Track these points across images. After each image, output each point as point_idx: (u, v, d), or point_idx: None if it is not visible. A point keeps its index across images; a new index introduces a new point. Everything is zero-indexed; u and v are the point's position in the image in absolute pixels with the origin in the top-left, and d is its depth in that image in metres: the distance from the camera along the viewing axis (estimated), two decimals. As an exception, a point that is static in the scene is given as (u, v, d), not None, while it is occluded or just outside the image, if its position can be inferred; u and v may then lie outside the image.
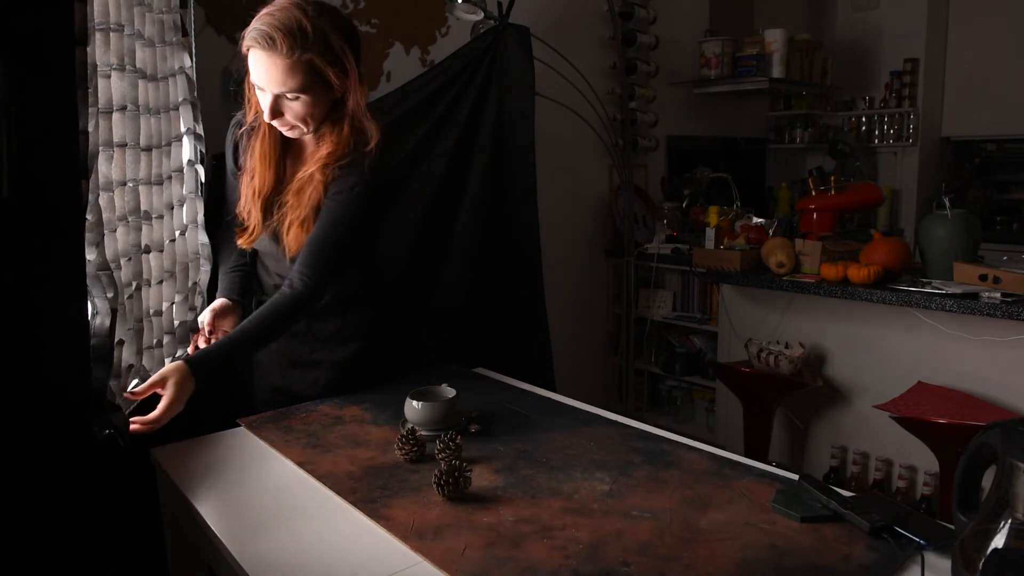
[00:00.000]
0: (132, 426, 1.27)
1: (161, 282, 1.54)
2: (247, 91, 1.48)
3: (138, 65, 1.34)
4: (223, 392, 1.70)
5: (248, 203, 1.54)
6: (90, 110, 1.08)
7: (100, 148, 1.19)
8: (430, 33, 2.75)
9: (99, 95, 1.18)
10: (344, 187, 1.48)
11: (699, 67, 3.85)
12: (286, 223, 1.50)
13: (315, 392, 1.64)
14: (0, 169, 0.93)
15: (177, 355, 1.63)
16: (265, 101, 1.40)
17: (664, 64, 3.63)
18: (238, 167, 1.58)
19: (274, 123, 1.45)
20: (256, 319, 1.45)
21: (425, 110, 2.36)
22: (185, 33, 1.59)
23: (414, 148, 2.35)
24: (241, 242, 1.57)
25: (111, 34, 1.22)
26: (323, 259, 1.49)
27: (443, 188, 2.42)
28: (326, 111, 1.46)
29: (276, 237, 1.54)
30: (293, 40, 1.33)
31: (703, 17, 4.03)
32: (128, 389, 1.35)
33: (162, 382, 1.30)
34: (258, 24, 1.35)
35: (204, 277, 1.71)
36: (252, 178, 1.54)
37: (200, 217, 1.70)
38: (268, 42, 1.32)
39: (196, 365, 1.34)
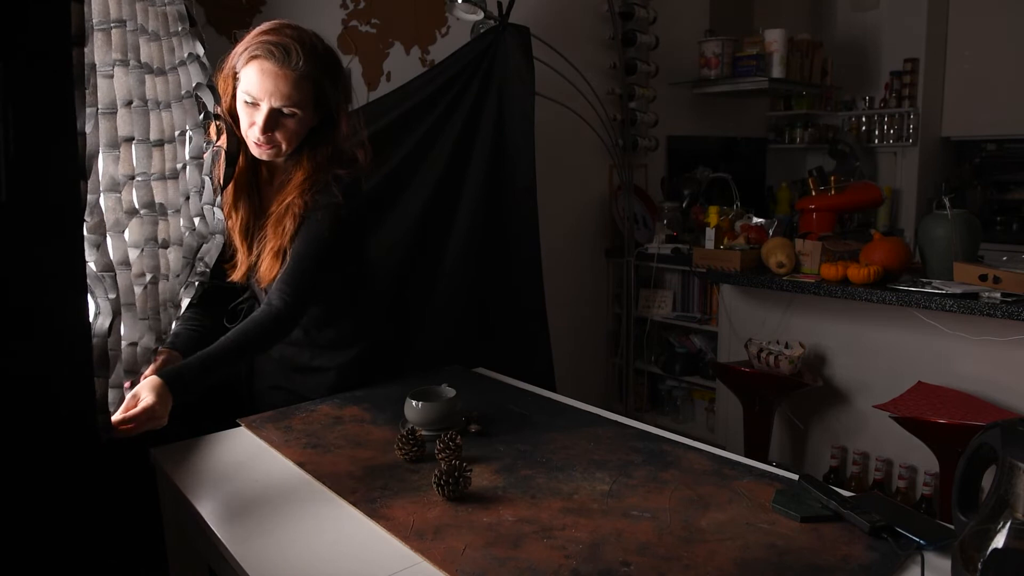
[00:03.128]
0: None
1: (179, 275, 1.53)
2: (221, 116, 1.47)
3: (143, 60, 1.34)
4: (224, 394, 1.70)
5: (230, 237, 1.54)
6: (91, 110, 1.08)
7: (106, 148, 1.19)
8: (430, 33, 2.75)
9: (103, 94, 1.17)
10: (319, 206, 1.48)
11: (699, 67, 3.84)
12: (263, 255, 1.50)
13: (320, 394, 1.65)
14: (-1, 171, 0.93)
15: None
16: (259, 115, 1.41)
17: (664, 64, 3.63)
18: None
19: (256, 141, 1.44)
20: (235, 334, 1.39)
21: (425, 110, 2.36)
22: (193, 23, 1.58)
23: (414, 148, 2.35)
24: (234, 277, 1.56)
25: (113, 31, 1.22)
26: (300, 277, 1.46)
27: (443, 188, 2.42)
28: (304, 135, 1.48)
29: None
30: (308, 54, 1.38)
31: (703, 17, 4.03)
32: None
33: (135, 401, 1.23)
34: (268, 38, 1.38)
35: (215, 251, 1.64)
36: (229, 212, 1.54)
37: (219, 198, 1.66)
38: (283, 53, 1.36)
39: (172, 381, 1.26)
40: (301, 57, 1.37)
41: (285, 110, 1.41)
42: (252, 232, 1.55)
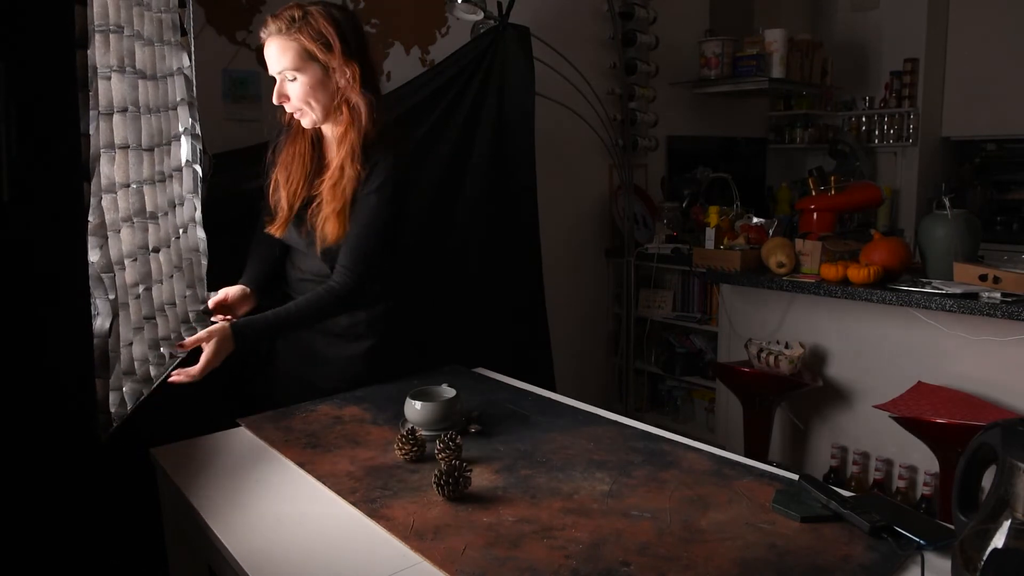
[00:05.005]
0: (174, 377, 1.42)
1: (172, 277, 1.55)
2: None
3: (138, 66, 1.34)
4: (225, 390, 1.71)
5: (277, 194, 1.66)
6: (93, 112, 1.08)
7: (102, 150, 1.19)
8: (430, 33, 2.75)
9: (100, 97, 1.18)
10: (372, 187, 1.59)
11: (699, 67, 3.85)
12: (321, 216, 1.59)
13: (329, 384, 1.68)
14: (0, 172, 0.93)
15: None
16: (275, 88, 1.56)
17: (664, 64, 3.63)
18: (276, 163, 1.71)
19: (287, 108, 1.57)
20: (301, 304, 1.57)
21: (425, 110, 2.36)
22: (183, 32, 1.59)
23: (414, 148, 2.35)
24: (271, 229, 1.67)
25: (111, 36, 1.22)
26: (363, 256, 1.60)
27: (443, 188, 2.42)
28: (328, 98, 1.57)
29: (307, 231, 1.63)
30: (283, 23, 1.52)
31: (703, 17, 4.03)
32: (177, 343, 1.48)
33: (208, 338, 1.44)
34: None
35: (203, 271, 1.73)
36: (282, 173, 1.66)
37: (198, 215, 1.71)
38: (267, 29, 1.53)
39: (239, 331, 1.48)
40: (277, 27, 1.52)
41: (288, 75, 1.54)
42: (299, 193, 1.64)
